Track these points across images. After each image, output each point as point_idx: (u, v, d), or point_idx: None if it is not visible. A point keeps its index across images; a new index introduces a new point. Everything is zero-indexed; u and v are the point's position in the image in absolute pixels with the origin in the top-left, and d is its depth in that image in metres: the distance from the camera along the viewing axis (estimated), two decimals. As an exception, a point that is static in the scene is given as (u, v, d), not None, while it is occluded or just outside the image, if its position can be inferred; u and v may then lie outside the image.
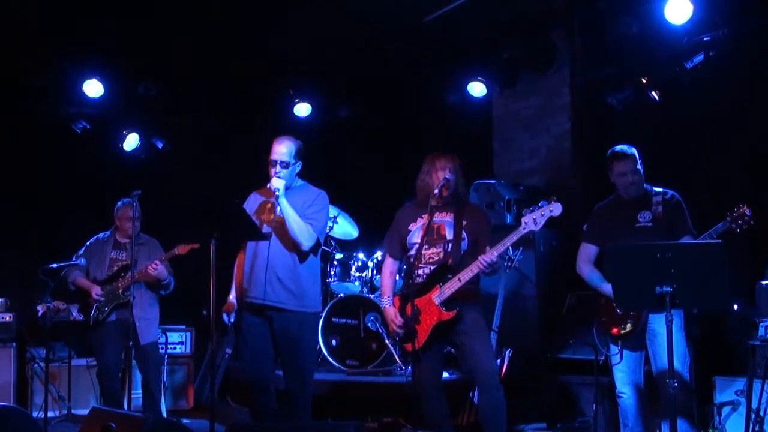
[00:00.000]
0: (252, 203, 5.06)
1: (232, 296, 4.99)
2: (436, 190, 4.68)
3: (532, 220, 4.45)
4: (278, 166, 4.85)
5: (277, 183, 4.78)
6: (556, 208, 4.42)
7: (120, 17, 7.01)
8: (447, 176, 4.71)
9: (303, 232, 4.77)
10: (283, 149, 4.87)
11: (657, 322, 4.53)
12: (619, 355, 4.71)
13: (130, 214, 5.99)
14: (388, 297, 4.86)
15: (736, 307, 5.45)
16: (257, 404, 4.97)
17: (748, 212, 4.37)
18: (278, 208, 4.82)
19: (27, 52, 7.29)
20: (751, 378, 4.89)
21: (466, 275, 4.54)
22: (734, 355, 5.46)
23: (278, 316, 4.84)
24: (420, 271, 4.71)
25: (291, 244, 4.83)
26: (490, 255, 4.46)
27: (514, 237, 4.48)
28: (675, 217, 4.69)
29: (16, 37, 7.12)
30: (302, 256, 4.88)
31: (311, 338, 5.12)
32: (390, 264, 4.98)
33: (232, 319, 4.95)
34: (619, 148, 4.83)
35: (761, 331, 4.88)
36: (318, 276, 5.08)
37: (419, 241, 4.72)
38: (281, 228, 4.82)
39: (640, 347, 4.72)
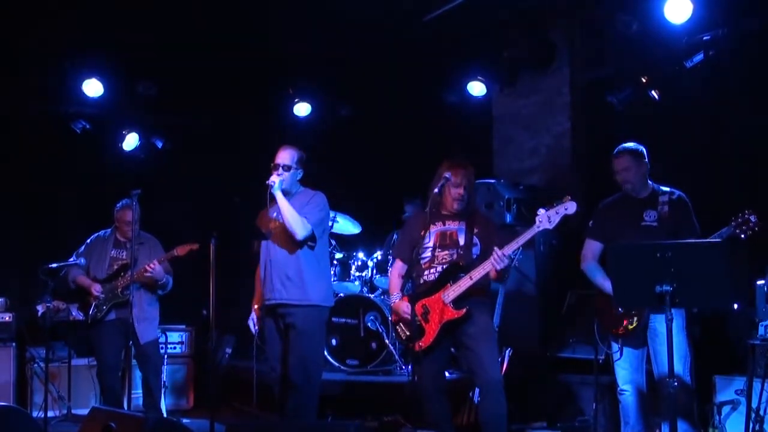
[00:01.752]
0: (260, 219, 5.28)
1: (255, 306, 5.26)
2: (436, 189, 4.71)
3: (546, 218, 4.47)
4: (280, 168, 5.11)
5: (273, 178, 5.02)
6: (570, 206, 4.45)
7: (119, 17, 7.00)
8: (446, 175, 4.75)
9: (297, 222, 4.98)
10: (286, 155, 5.16)
11: (659, 322, 4.52)
12: (619, 352, 4.72)
13: (128, 218, 6.03)
14: (397, 294, 4.90)
15: (736, 306, 5.44)
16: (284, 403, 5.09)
17: (753, 219, 4.35)
18: (276, 214, 4.99)
19: (27, 52, 7.28)
20: (751, 377, 4.88)
21: (477, 273, 4.59)
22: (734, 354, 5.45)
23: (286, 311, 5.05)
24: (432, 270, 4.77)
25: (292, 242, 5.01)
26: (505, 250, 4.51)
27: (528, 235, 4.52)
28: (680, 218, 4.68)
29: (16, 37, 7.11)
30: (306, 251, 5.06)
31: (316, 332, 5.16)
32: (400, 267, 5.02)
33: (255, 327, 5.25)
34: (624, 145, 4.85)
35: (761, 330, 4.86)
36: (325, 271, 5.25)
37: (431, 246, 4.79)
38: (283, 230, 5.02)
39: (641, 345, 4.71)
